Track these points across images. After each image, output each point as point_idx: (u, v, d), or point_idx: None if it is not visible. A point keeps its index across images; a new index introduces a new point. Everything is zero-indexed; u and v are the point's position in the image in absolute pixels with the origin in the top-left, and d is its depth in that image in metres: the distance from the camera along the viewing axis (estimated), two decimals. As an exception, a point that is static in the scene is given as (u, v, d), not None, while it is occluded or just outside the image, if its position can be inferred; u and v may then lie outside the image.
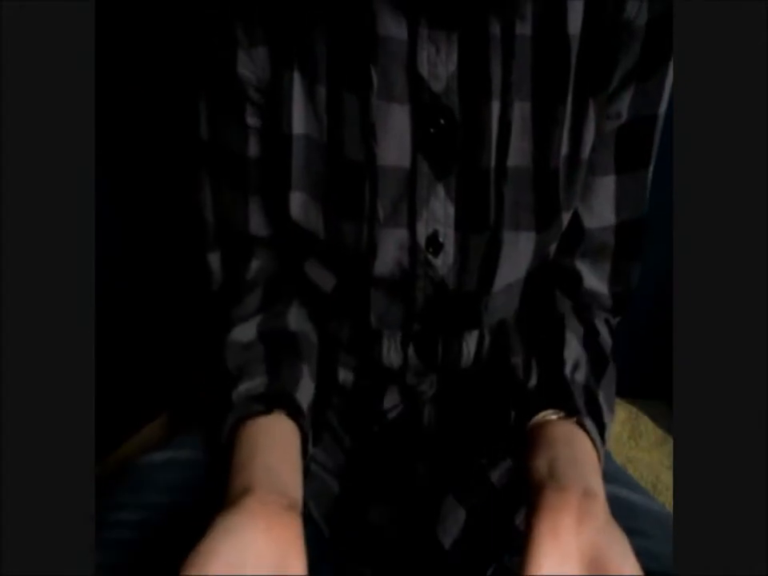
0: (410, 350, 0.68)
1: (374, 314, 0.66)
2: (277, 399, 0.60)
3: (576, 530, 0.49)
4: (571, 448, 0.56)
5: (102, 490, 0.64)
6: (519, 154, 0.61)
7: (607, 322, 0.71)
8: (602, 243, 0.67)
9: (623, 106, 0.62)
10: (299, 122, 0.61)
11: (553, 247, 0.66)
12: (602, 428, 0.61)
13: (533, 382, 0.63)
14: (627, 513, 0.64)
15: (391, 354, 0.68)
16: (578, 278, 0.69)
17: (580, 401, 0.60)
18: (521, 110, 0.60)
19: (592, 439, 0.58)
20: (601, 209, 0.66)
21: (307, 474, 0.69)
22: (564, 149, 0.62)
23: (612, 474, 0.69)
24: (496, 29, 0.58)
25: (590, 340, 0.67)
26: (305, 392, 0.63)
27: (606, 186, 0.65)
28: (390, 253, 0.63)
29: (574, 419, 0.59)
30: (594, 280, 0.69)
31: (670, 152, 0.65)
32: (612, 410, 0.66)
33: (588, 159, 0.63)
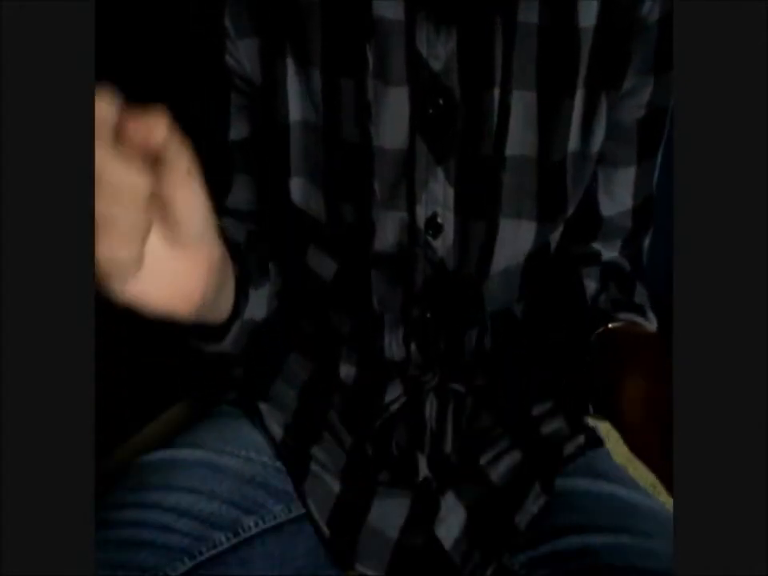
0: (413, 343, 0.68)
1: (375, 297, 0.66)
2: None
3: None
4: None
5: (101, 490, 0.64)
6: (522, 143, 0.61)
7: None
8: (621, 228, 0.69)
9: (643, 100, 0.63)
10: (295, 109, 0.61)
11: (555, 236, 0.66)
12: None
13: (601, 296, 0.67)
14: (627, 513, 0.64)
15: (393, 346, 0.68)
16: (596, 254, 0.70)
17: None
18: (524, 100, 0.60)
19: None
20: (620, 197, 0.67)
21: (307, 474, 0.69)
22: (574, 144, 0.62)
23: (612, 474, 0.70)
24: (498, 16, 0.58)
25: (614, 277, 0.69)
26: None
27: (628, 176, 0.66)
28: (389, 234, 0.63)
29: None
30: (611, 252, 0.70)
31: (670, 153, 0.66)
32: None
33: (597, 153, 0.63)
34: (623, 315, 0.63)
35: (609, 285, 0.68)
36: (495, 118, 0.60)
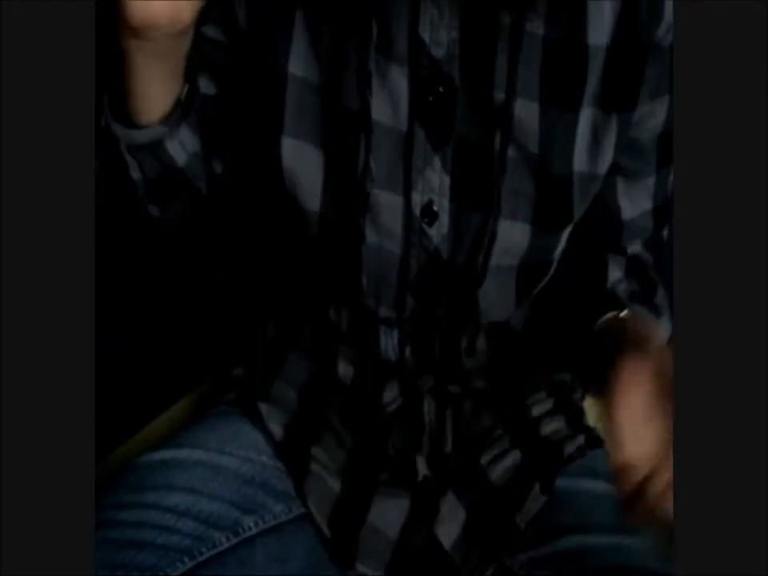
0: (407, 348, 0.68)
1: (367, 282, 0.65)
2: None
3: None
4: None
5: (102, 490, 0.64)
6: (522, 148, 0.61)
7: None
8: (643, 228, 0.69)
9: (660, 119, 0.63)
10: (297, 64, 0.60)
11: (557, 244, 0.66)
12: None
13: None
14: (627, 513, 0.64)
15: (389, 349, 0.68)
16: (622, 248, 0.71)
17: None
18: (527, 108, 0.60)
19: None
20: (641, 200, 0.68)
21: (307, 473, 0.69)
22: (582, 162, 0.62)
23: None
24: (504, 18, 0.58)
25: (637, 269, 0.70)
26: None
27: (648, 184, 0.67)
28: (384, 219, 0.63)
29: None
30: (635, 247, 0.71)
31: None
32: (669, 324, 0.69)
33: (606, 172, 0.64)
34: (638, 308, 0.63)
35: (632, 278, 0.69)
36: (496, 119, 0.60)
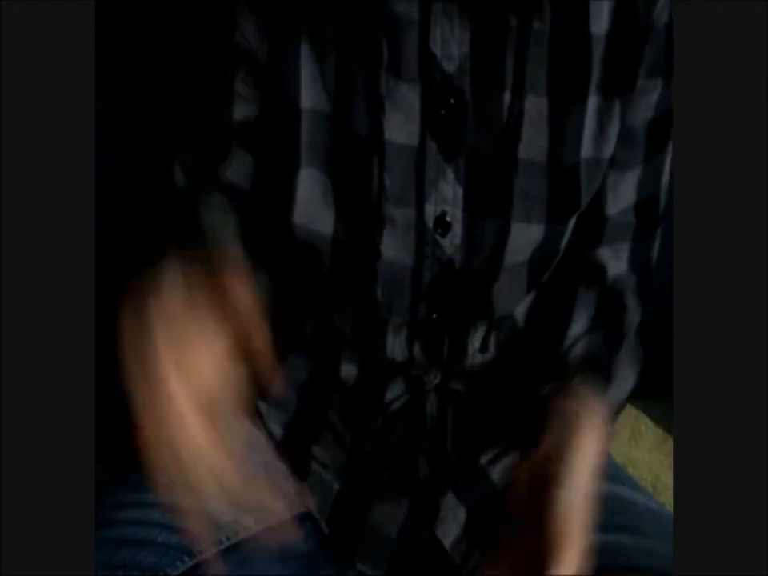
0: (416, 346, 0.68)
1: (381, 294, 0.65)
2: None
3: None
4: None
5: (102, 489, 0.64)
6: (533, 147, 0.61)
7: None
8: (625, 225, 0.69)
9: (651, 102, 0.63)
10: (307, 95, 0.60)
11: (564, 240, 0.66)
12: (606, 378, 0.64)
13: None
14: (627, 513, 0.64)
15: (396, 348, 0.68)
16: (601, 269, 0.69)
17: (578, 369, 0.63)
18: (537, 105, 0.60)
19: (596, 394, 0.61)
20: (625, 195, 0.67)
21: (308, 472, 0.69)
22: (588, 149, 0.62)
23: (612, 474, 0.69)
24: (512, 20, 0.58)
25: (606, 315, 0.69)
26: None
27: (635, 176, 0.66)
28: (398, 232, 0.63)
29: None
30: (618, 264, 0.70)
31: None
32: (632, 378, 0.68)
33: (611, 158, 0.63)
34: (588, 377, 0.63)
35: (598, 328, 0.67)
36: (507, 122, 0.60)
